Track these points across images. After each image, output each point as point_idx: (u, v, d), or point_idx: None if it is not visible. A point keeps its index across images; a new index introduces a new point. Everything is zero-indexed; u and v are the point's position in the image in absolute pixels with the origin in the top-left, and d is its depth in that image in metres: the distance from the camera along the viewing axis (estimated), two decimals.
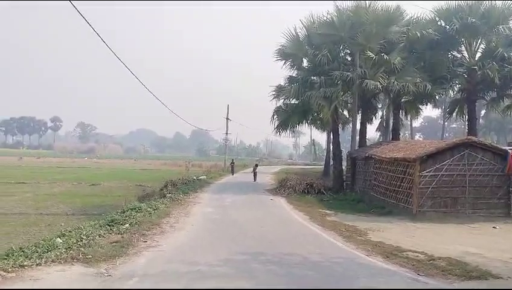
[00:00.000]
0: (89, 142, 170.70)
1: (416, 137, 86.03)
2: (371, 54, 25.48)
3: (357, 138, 30.34)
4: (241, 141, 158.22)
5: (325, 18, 27.64)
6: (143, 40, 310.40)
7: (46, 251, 9.38)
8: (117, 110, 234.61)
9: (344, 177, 28.17)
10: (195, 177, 33.84)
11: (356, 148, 28.71)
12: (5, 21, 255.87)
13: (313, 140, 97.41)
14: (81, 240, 10.51)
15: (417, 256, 10.29)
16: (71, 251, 9.37)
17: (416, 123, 72.23)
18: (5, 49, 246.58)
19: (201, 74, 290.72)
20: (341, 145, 30.85)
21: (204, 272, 8.37)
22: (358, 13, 26.37)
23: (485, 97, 29.78)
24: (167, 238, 11.81)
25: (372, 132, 48.92)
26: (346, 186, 27.22)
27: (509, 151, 17.34)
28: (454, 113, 31.26)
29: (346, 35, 26.49)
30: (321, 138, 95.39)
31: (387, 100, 32.29)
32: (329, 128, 34.52)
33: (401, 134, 40.55)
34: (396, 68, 25.47)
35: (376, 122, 37.73)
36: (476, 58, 27.00)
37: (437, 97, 31.21)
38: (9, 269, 7.83)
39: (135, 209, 15.84)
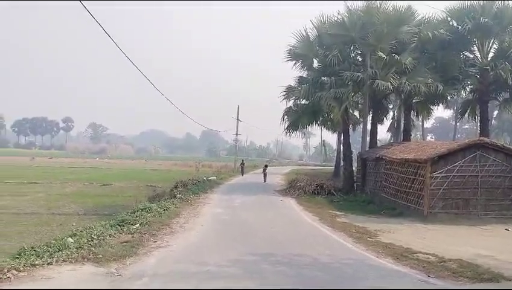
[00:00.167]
0: (100, 142, 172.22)
1: (428, 138, 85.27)
2: (381, 54, 25.36)
3: (368, 138, 30.13)
4: (252, 142, 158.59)
5: (335, 18, 27.63)
6: (152, 40, 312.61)
7: (57, 250, 9.46)
8: (128, 111, 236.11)
9: (354, 178, 28.02)
10: (205, 178, 33.94)
11: (367, 149, 28.53)
12: (21, 23, 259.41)
13: (324, 141, 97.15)
14: (92, 240, 10.59)
15: (428, 258, 10.20)
16: (82, 251, 9.44)
17: (428, 124, 71.55)
18: (16, 51, 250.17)
19: (210, 74, 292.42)
20: (351, 146, 30.69)
21: (214, 273, 8.39)
22: (369, 13, 26.27)
23: (498, 98, 29.39)
24: (177, 239, 11.85)
25: (383, 132, 48.84)
26: (357, 188, 27.09)
27: None
28: (466, 114, 30.93)
29: (357, 36, 26.39)
30: (332, 138, 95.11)
31: (399, 101, 32.05)
32: (339, 129, 34.35)
33: (413, 135, 40.15)
34: (408, 69, 25.31)
35: (387, 123, 37.55)
36: (489, 59, 26.70)
37: (449, 98, 30.88)
38: (21, 268, 7.90)
39: (145, 209, 15.92)
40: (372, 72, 25.56)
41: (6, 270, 7.61)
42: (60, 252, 9.27)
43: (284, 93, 29.96)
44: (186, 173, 42.45)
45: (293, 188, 26.98)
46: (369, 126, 30.05)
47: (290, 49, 28.98)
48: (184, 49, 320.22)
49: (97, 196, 26.71)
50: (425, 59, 27.08)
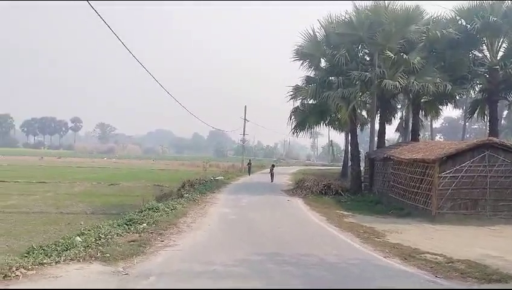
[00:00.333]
0: (108, 142, 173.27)
1: (437, 138, 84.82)
2: (390, 53, 25.24)
3: (376, 138, 30.04)
4: (259, 142, 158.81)
5: (343, 18, 27.58)
6: (150, 39, 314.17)
7: (66, 249, 9.55)
8: (136, 111, 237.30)
9: (362, 178, 27.90)
10: (212, 178, 34.04)
11: (374, 149, 28.43)
12: (30, 23, 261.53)
13: (331, 141, 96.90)
14: (100, 239, 10.65)
15: (436, 258, 10.12)
16: (90, 250, 9.50)
17: (437, 124, 71.30)
18: (26, 51, 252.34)
19: (215, 72, 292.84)
20: (359, 146, 30.60)
21: (220, 272, 8.39)
22: (377, 12, 26.16)
23: (507, 97, 29.09)
24: (184, 238, 11.88)
25: (392, 132, 48.65)
26: (364, 188, 26.98)
27: None
28: (475, 114, 30.69)
29: (365, 35, 26.30)
30: (339, 138, 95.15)
31: (407, 100, 31.93)
32: (347, 129, 34.23)
33: (421, 135, 40.01)
34: (416, 68, 25.17)
35: (395, 122, 37.45)
36: (498, 58, 26.47)
37: (457, 97, 30.70)
38: (30, 267, 7.97)
39: (153, 209, 15.99)
40: (380, 71, 25.45)
41: (15, 269, 7.67)
42: (68, 251, 9.35)
43: (291, 93, 29.94)
44: (193, 172, 42.56)
45: (300, 188, 26.94)
46: (377, 126, 29.96)
47: (297, 49, 28.97)
48: (191, 48, 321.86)
49: (105, 196, 26.88)
50: (433, 58, 26.93)
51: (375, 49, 26.55)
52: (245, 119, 59.18)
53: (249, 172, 47.21)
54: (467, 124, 67.52)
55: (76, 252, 9.21)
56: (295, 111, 31.30)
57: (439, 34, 25.64)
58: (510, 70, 24.44)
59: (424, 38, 26.38)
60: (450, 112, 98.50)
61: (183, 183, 28.27)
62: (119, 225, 12.92)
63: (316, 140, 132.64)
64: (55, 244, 10.03)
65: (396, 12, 26.26)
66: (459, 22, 27.15)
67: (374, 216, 18.04)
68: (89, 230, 12.02)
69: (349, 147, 33.36)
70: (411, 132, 30.75)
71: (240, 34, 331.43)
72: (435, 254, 10.52)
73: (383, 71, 25.45)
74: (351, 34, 26.59)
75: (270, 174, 37.89)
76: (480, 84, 28.43)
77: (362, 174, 28.22)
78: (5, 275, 7.41)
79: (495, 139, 18.13)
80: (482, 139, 20.15)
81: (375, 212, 19.25)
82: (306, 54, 28.75)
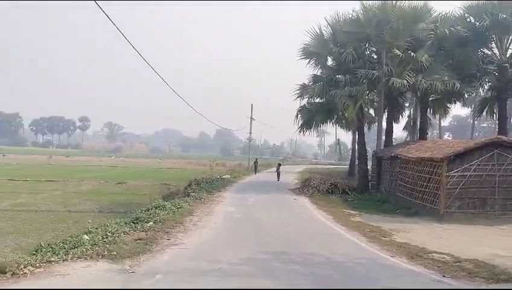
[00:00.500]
0: (116, 141, 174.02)
1: (445, 136, 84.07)
2: (397, 51, 25.08)
3: (383, 137, 29.90)
4: (266, 141, 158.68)
5: (350, 16, 27.48)
6: (156, 40, 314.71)
7: (73, 247, 9.59)
8: (143, 110, 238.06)
9: (369, 177, 27.80)
10: (219, 177, 34.08)
11: (382, 147, 28.31)
12: (40, 23, 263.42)
13: (338, 139, 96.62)
14: (107, 237, 10.69)
15: (443, 258, 10.06)
16: (97, 248, 9.54)
17: (445, 122, 70.64)
18: (35, 51, 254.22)
19: (215, 72, 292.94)
20: (367, 144, 30.47)
21: (226, 270, 8.40)
22: (384, 10, 26.03)
23: None
24: (190, 237, 11.91)
25: (399, 131, 48.26)
26: (372, 187, 26.88)
27: None
28: (484, 112, 30.36)
29: (372, 33, 26.19)
30: (346, 137, 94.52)
31: (415, 99, 31.71)
32: (354, 127, 34.07)
33: (429, 133, 39.67)
34: (424, 66, 25.00)
35: (403, 121, 37.25)
36: (507, 56, 26.17)
37: (466, 96, 30.38)
38: (38, 264, 8.04)
39: (159, 207, 16.01)
40: (388, 69, 25.29)
41: (23, 267, 7.74)
42: (76, 249, 9.39)
43: (298, 91, 29.87)
44: (200, 171, 42.62)
45: (307, 187, 26.88)
46: (384, 124, 29.80)
47: (304, 47, 28.92)
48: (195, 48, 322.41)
49: (112, 194, 26.95)
50: (441, 56, 26.69)
51: (382, 47, 26.41)
52: (251, 118, 59.11)
53: (255, 171, 47.21)
54: (475, 122, 66.93)
55: (84, 250, 9.26)
56: (302, 110, 31.23)
57: (447, 32, 25.43)
58: None
59: (432, 36, 26.16)
60: (458, 110, 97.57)
61: (190, 182, 28.32)
62: (126, 223, 12.95)
63: (323, 139, 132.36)
64: (63, 242, 10.08)
65: (404, 10, 26.08)
66: (468, 20, 26.89)
67: (381, 215, 17.97)
68: (96, 228, 12.08)
69: (357, 146, 33.22)
70: (419, 131, 30.53)
71: (240, 34, 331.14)
72: (443, 254, 10.45)
73: (390, 69, 25.29)
74: (358, 32, 26.49)
75: (276, 173, 37.88)
76: (489, 82, 28.12)
77: (369, 173, 28.12)
78: (14, 272, 7.49)
79: (504, 138, 17.94)
80: (490, 137, 19.94)
81: (382, 211, 19.17)
82: (313, 52, 28.68)
